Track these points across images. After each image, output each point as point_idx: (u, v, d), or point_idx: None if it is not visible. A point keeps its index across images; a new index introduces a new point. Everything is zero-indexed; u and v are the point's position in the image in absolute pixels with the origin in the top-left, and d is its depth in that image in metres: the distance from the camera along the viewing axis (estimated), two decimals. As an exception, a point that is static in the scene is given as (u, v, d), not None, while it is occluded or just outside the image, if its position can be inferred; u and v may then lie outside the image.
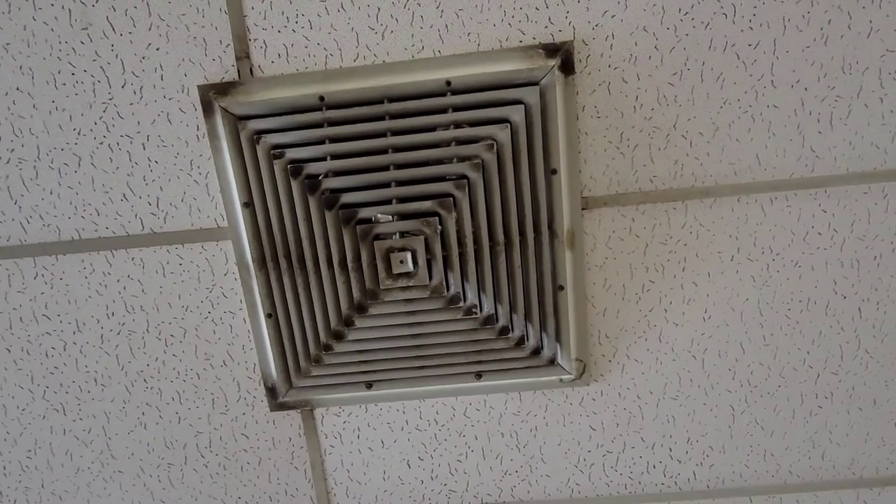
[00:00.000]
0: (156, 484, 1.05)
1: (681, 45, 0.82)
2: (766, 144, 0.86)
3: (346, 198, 0.85)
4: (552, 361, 0.95)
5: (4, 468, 1.05)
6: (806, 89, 0.84)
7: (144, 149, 0.88)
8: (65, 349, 0.98)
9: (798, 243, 0.90)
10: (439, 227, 0.85)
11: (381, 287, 0.87)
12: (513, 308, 0.91)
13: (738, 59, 0.83)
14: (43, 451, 1.04)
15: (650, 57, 0.83)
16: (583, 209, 0.89)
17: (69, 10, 0.83)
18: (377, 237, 0.86)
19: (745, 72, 0.83)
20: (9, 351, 0.98)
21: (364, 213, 0.85)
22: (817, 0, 0.80)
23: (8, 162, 0.89)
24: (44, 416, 1.02)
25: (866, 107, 0.84)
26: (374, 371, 0.96)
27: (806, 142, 0.86)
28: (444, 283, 0.87)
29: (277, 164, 0.85)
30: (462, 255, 0.87)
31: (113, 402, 1.01)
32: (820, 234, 0.90)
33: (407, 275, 0.87)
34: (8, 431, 1.03)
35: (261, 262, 0.90)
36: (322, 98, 0.84)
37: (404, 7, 0.82)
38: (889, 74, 0.83)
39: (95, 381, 1.00)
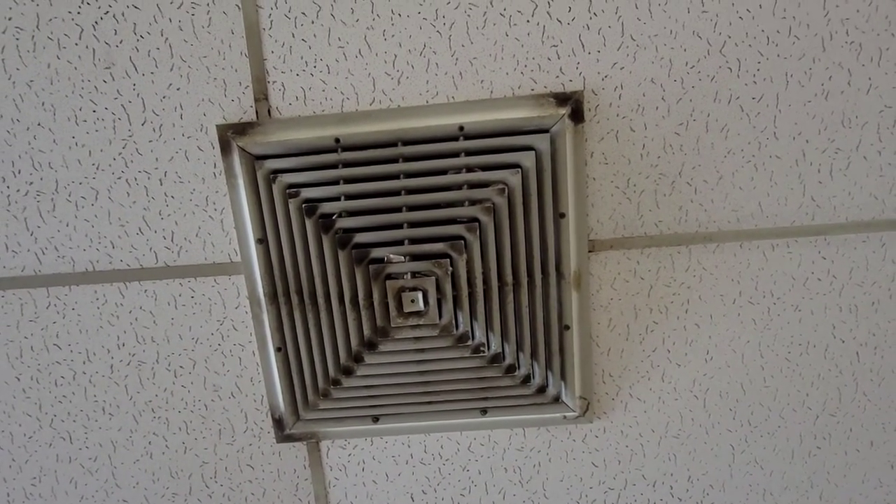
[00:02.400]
0: (159, 513, 1.06)
1: (687, 97, 0.85)
2: (768, 193, 0.89)
3: (360, 238, 0.87)
4: (557, 399, 0.96)
5: (9, 495, 1.05)
6: (807, 141, 0.87)
7: (161, 184, 0.90)
8: (74, 378, 0.99)
9: (798, 288, 0.93)
10: (450, 268, 0.87)
11: (392, 325, 0.89)
12: (520, 346, 0.93)
13: (742, 111, 0.86)
14: (48, 478, 1.04)
15: (657, 107, 0.86)
16: (589, 252, 0.92)
17: (93, 49, 0.85)
18: (389, 276, 0.88)
19: (749, 123, 0.86)
20: (18, 379, 0.99)
21: (376, 252, 0.87)
22: (819, 57, 0.83)
23: (26, 194, 0.90)
24: (50, 444, 1.02)
25: (865, 159, 0.87)
26: (382, 406, 0.97)
27: (807, 191, 0.89)
28: (453, 322, 0.89)
29: (292, 203, 0.87)
30: (472, 295, 0.89)
31: (120, 432, 1.02)
32: (819, 279, 0.92)
33: (417, 314, 0.88)
34: (14, 458, 1.03)
35: (272, 296, 0.92)
36: (338, 140, 0.86)
37: (420, 54, 0.84)
38: (887, 129, 0.86)
39: (103, 410, 1.00)
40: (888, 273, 0.92)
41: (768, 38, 0.82)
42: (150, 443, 1.02)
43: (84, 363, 0.98)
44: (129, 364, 0.98)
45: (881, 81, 0.84)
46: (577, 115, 0.85)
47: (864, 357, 0.96)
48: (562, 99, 0.85)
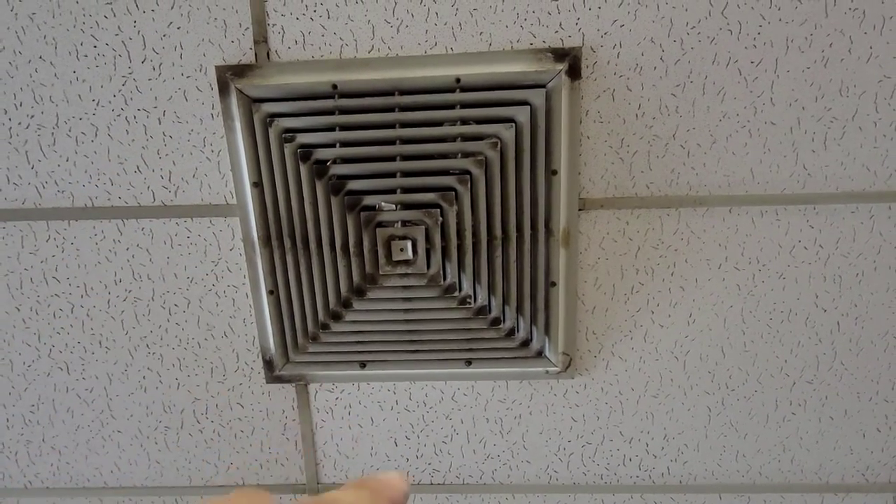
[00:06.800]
0: (152, 445, 1.10)
1: (686, 58, 0.85)
2: (760, 159, 0.89)
3: (353, 185, 0.88)
4: (540, 353, 0.98)
5: (8, 421, 1.09)
6: (803, 108, 0.87)
7: (160, 123, 0.91)
8: (72, 311, 1.02)
9: (784, 256, 0.94)
10: (440, 218, 0.88)
11: (381, 272, 0.91)
12: (506, 300, 0.95)
13: (740, 74, 0.85)
14: (45, 406, 1.08)
15: (655, 67, 0.86)
16: (580, 210, 0.93)
17: (94, -17, 0.85)
18: (380, 224, 0.89)
19: (746, 88, 0.86)
20: (18, 310, 1.02)
21: (369, 200, 0.88)
22: (821, 23, 0.83)
23: (27, 127, 0.92)
24: (48, 374, 1.06)
25: (860, 129, 0.87)
26: (369, 352, 1.00)
27: (799, 159, 0.89)
28: (441, 272, 0.91)
29: (288, 148, 0.88)
30: (460, 247, 0.90)
31: (115, 365, 1.05)
32: (806, 248, 0.93)
33: (406, 262, 0.90)
34: (13, 386, 1.07)
35: (266, 240, 0.94)
36: (335, 86, 0.87)
37: (420, 3, 0.84)
38: (884, 99, 0.86)
39: (100, 343, 1.03)
40: (874, 245, 0.93)
41: (771, 1, 0.82)
42: (144, 377, 1.05)
43: (82, 297, 1.01)
44: (125, 300, 1.01)
45: (882, 50, 0.83)
46: (574, 72, 0.85)
47: (844, 327, 0.97)
48: (560, 55, 0.85)
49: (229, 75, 0.87)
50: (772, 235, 0.93)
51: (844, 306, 0.96)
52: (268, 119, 0.87)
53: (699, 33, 0.84)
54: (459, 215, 0.89)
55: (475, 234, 0.90)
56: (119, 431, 1.09)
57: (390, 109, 0.87)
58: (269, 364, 1.02)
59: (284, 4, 0.85)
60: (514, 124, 0.85)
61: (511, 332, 0.96)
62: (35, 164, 0.94)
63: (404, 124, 0.86)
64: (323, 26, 0.86)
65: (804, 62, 0.85)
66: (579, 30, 0.84)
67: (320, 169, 0.88)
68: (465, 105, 0.86)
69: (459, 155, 0.86)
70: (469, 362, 1.00)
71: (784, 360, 1.00)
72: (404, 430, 1.07)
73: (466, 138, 0.86)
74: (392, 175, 0.87)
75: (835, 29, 0.83)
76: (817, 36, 0.83)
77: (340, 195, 0.89)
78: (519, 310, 0.95)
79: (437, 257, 0.90)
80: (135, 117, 0.91)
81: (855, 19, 0.82)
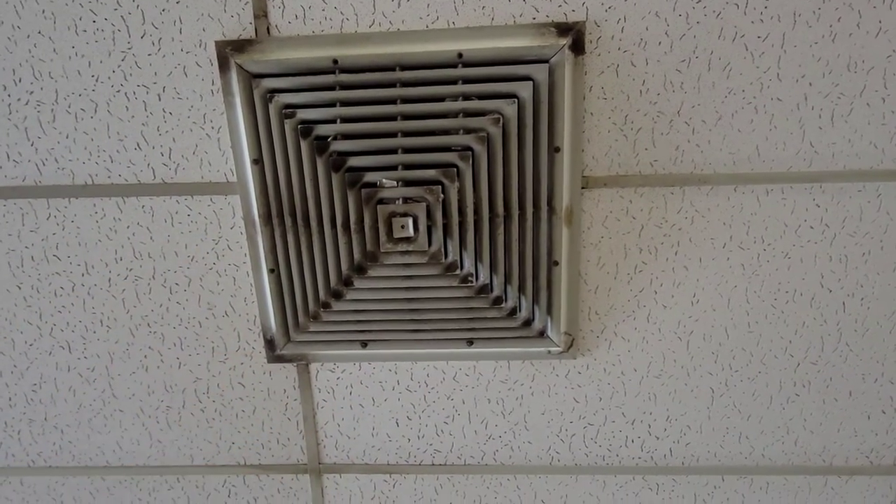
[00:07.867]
0: (154, 424, 1.10)
1: (691, 33, 0.84)
2: (766, 136, 0.88)
3: (354, 161, 0.87)
4: (542, 333, 0.98)
5: (10, 399, 1.09)
6: (810, 84, 0.85)
7: (160, 100, 0.90)
8: (73, 290, 1.02)
9: (790, 235, 0.93)
10: (441, 195, 0.87)
11: (382, 250, 0.90)
12: (507, 279, 0.94)
13: (747, 50, 0.84)
14: (48, 385, 1.08)
15: (660, 42, 0.84)
16: (583, 188, 0.92)
17: (93, -43, 0.84)
18: (381, 201, 0.88)
19: (752, 63, 0.85)
20: (19, 288, 1.02)
21: (370, 177, 0.88)
22: (829, -4, 0.81)
23: (27, 104, 0.91)
24: (50, 353, 1.06)
25: (868, 106, 0.86)
26: (370, 331, 0.99)
27: (806, 137, 0.88)
28: (442, 250, 0.90)
29: (288, 124, 0.87)
30: (462, 225, 0.90)
31: (117, 344, 1.05)
32: (812, 227, 0.92)
33: (407, 240, 0.89)
34: (15, 365, 1.07)
35: (266, 218, 0.93)
36: (335, 61, 0.86)
37: (422, -24, 0.83)
38: (893, 75, 0.84)
39: (101, 322, 1.03)
40: (881, 224, 0.92)
41: (778, -27, 0.80)
42: (145, 356, 1.05)
43: (83, 275, 1.01)
44: (126, 278, 1.01)
45: (891, 25, 0.82)
46: (577, 47, 0.84)
47: (850, 308, 0.96)
48: (563, 29, 0.83)
49: (229, 50, 0.86)
50: (777, 214, 0.92)
51: (850, 286, 0.95)
52: (268, 95, 0.87)
53: (705, 7, 0.83)
54: (461, 192, 0.88)
55: (477, 212, 0.89)
56: (121, 410, 1.09)
57: (391, 85, 0.86)
58: (270, 343, 1.02)
59: (284, -22, 0.84)
60: (516, 100, 0.84)
61: (513, 312, 0.96)
62: (35, 140, 0.93)
63: (405, 100, 0.86)
64: (323, 0, 0.85)
65: (812, 37, 0.83)
66: (583, 4, 0.83)
67: (321, 145, 0.87)
68: (466, 80, 0.85)
69: (461, 131, 0.85)
70: (471, 342, 0.99)
71: (788, 341, 0.99)
72: (406, 411, 1.07)
73: (468, 114, 0.85)
74: (393, 151, 0.87)
75: (843, 3, 0.81)
76: (825, 10, 0.82)
77: (341, 172, 0.88)
78: (521, 289, 0.95)
79: (438, 235, 0.89)
80: (134, 93, 0.90)
81: (864, -8, 0.81)
